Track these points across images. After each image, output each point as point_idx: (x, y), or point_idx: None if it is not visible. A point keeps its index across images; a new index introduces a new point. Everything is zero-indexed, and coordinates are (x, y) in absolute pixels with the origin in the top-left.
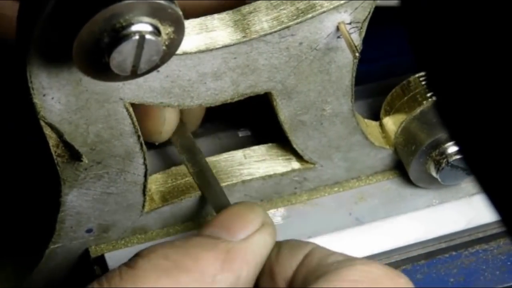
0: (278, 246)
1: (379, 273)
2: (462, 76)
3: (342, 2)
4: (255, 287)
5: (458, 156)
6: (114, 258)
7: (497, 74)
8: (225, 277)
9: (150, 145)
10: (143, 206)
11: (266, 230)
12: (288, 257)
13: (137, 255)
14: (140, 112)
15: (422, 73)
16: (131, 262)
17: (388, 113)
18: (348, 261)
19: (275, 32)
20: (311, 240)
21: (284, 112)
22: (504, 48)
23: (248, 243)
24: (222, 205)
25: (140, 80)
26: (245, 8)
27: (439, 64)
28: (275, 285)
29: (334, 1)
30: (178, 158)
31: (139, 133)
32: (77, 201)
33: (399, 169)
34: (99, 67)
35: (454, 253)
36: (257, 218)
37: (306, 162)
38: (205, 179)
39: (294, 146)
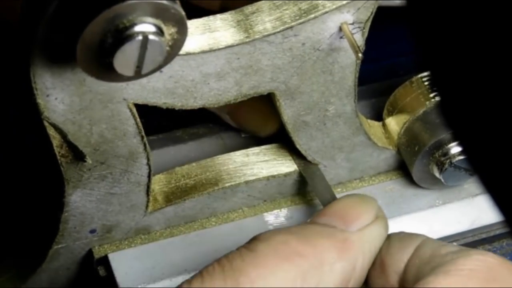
0: (388, 238)
1: (495, 262)
2: (467, 76)
3: (344, 2)
4: (365, 280)
5: (461, 157)
6: (117, 258)
7: (502, 74)
8: (341, 266)
9: (154, 146)
10: (147, 206)
11: (381, 223)
12: (399, 249)
13: (256, 239)
14: (247, 108)
15: (425, 74)
16: (251, 245)
17: (391, 114)
18: (463, 251)
19: (278, 32)
20: None
21: (287, 112)
22: (510, 47)
23: (363, 233)
24: (329, 198)
25: (143, 80)
26: (248, 9)
27: (444, 63)
28: (386, 277)
29: (336, 1)
30: (185, 159)
31: (143, 133)
32: (81, 201)
33: (402, 169)
34: (103, 67)
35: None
36: (371, 209)
37: (309, 162)
38: (312, 172)
39: (297, 146)
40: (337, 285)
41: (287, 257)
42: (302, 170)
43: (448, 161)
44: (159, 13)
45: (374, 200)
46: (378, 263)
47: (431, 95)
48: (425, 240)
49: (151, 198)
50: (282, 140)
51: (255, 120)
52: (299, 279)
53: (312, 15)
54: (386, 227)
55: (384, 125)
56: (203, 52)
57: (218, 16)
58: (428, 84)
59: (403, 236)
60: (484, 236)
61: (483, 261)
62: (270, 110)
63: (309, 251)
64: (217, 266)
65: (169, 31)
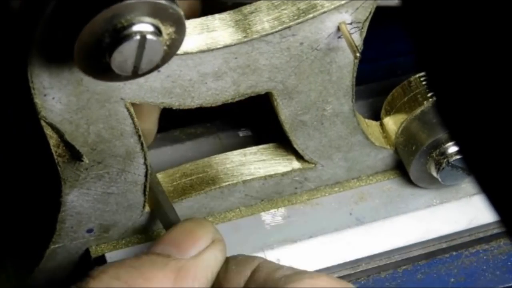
0: (226, 262)
1: (326, 285)
2: (462, 76)
3: (343, 2)
4: None
5: (458, 156)
6: (114, 258)
7: (497, 74)
8: None
9: (151, 145)
10: (144, 206)
11: (217, 246)
12: (236, 273)
13: (88, 276)
14: None
15: (423, 73)
16: (83, 283)
17: (388, 113)
18: (295, 275)
19: (276, 32)
20: (312, 240)
21: (285, 112)
22: (504, 48)
23: (198, 260)
24: (171, 222)
25: (141, 80)
26: (246, 8)
27: (439, 63)
28: None
29: (335, 1)
30: (182, 158)
31: (140, 133)
32: (78, 201)
33: (400, 169)
34: (100, 67)
35: (454, 253)
36: (207, 234)
37: (307, 162)
38: (154, 195)
39: (295, 146)
40: None
41: None
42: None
43: (445, 160)
44: (157, 12)
45: (210, 224)
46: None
47: (429, 94)
48: (262, 263)
49: (148, 198)
50: (280, 139)
51: None
52: None
53: (311, 15)
54: (223, 250)
55: (381, 125)
56: (201, 51)
57: (217, 16)
58: (426, 84)
59: (240, 260)
60: (481, 235)
61: (313, 285)
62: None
63: (142, 284)
64: None
65: (167, 30)
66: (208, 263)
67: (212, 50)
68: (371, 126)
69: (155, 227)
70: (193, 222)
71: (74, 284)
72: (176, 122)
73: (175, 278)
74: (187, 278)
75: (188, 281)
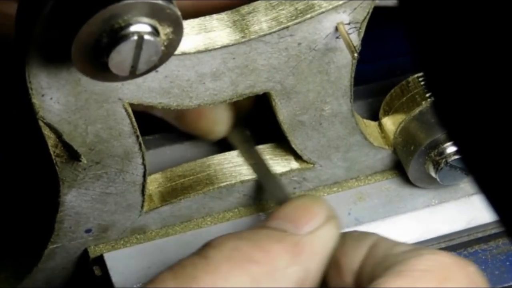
0: (343, 238)
1: (448, 261)
2: (460, 76)
3: (341, 2)
4: (321, 280)
5: (457, 156)
6: (113, 258)
7: (495, 74)
8: (294, 270)
9: (150, 146)
10: (142, 206)
11: (332, 223)
12: (354, 248)
13: (208, 246)
14: (194, 113)
15: (421, 73)
16: (203, 252)
17: (387, 113)
18: (415, 250)
19: (274, 32)
20: None
21: (283, 112)
22: (502, 48)
23: (315, 236)
24: (283, 198)
25: (139, 80)
26: (244, 9)
27: (437, 64)
28: (342, 277)
29: (333, 2)
30: (181, 159)
31: (138, 133)
32: (76, 201)
33: (398, 169)
34: (98, 67)
35: (453, 253)
36: (322, 211)
37: (305, 162)
38: (264, 172)
39: (293, 146)
40: None
41: (239, 264)
42: (256, 171)
43: (443, 160)
44: (155, 13)
45: (325, 201)
46: (333, 263)
47: (427, 95)
48: (379, 239)
49: (146, 198)
50: (278, 139)
51: (202, 124)
52: (252, 285)
53: (308, 15)
54: (338, 226)
55: (380, 125)
56: (199, 52)
57: (214, 16)
58: (424, 84)
59: (357, 235)
60: (480, 235)
61: (434, 260)
62: (216, 115)
63: (261, 257)
64: (170, 273)
65: (165, 31)
66: (325, 239)
67: (210, 50)
68: (370, 126)
69: (154, 227)
70: (307, 198)
71: (195, 253)
72: None
73: (292, 253)
74: (305, 253)
75: (305, 256)
